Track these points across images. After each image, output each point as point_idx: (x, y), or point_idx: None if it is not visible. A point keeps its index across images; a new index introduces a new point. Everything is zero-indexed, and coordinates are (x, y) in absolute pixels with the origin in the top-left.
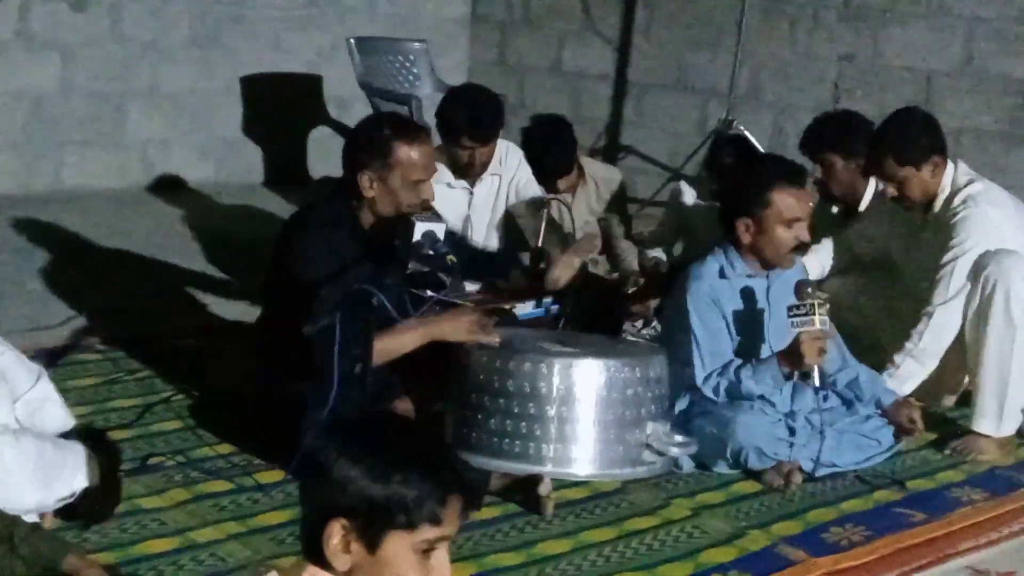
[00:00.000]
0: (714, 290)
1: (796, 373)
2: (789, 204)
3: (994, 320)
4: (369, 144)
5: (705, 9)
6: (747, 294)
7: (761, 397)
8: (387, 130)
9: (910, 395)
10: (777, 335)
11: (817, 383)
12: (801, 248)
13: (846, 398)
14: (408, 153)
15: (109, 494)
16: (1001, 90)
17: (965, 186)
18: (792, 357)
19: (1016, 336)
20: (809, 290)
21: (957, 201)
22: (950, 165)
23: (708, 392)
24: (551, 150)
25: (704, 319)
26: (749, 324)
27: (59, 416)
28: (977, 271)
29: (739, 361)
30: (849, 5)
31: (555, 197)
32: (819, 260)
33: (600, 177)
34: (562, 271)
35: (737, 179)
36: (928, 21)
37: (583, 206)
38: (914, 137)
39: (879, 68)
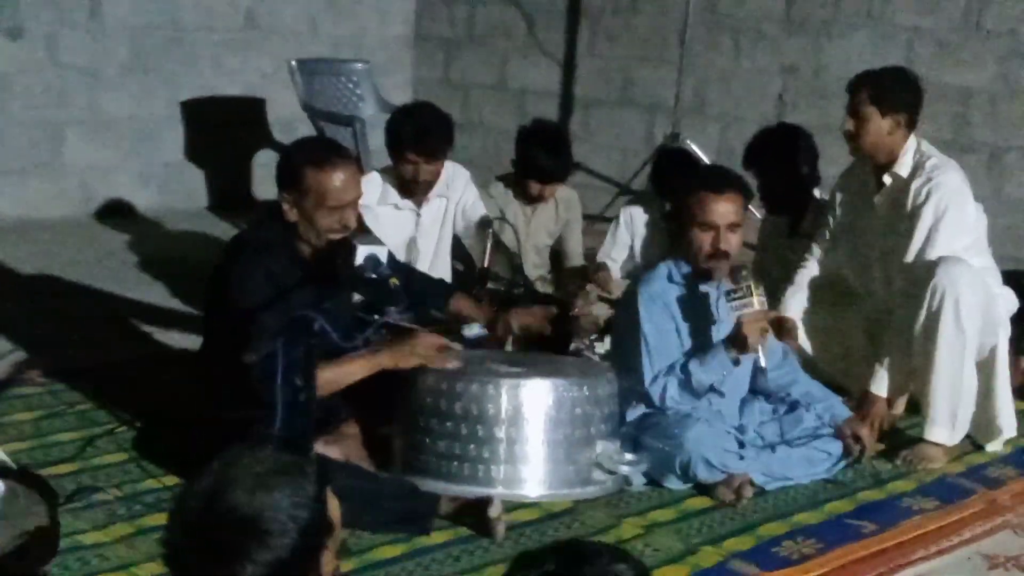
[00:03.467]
0: (664, 293)
1: (741, 357)
2: (705, 209)
3: (944, 330)
4: (284, 170)
5: (648, 24)
6: (696, 298)
7: (712, 389)
8: (299, 156)
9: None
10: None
11: (763, 363)
12: (720, 256)
13: (792, 404)
14: (317, 179)
15: (52, 536)
16: (942, 99)
17: (930, 158)
18: (737, 341)
19: (967, 345)
20: (744, 273)
21: (929, 166)
22: (913, 139)
23: (655, 395)
24: (556, 152)
25: (654, 319)
26: (699, 327)
27: None
28: (924, 280)
29: (684, 360)
30: (791, 17)
31: (501, 218)
32: None
33: (560, 197)
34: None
35: (676, 192)
36: (869, 32)
37: (541, 226)
38: (898, 87)
39: (822, 79)
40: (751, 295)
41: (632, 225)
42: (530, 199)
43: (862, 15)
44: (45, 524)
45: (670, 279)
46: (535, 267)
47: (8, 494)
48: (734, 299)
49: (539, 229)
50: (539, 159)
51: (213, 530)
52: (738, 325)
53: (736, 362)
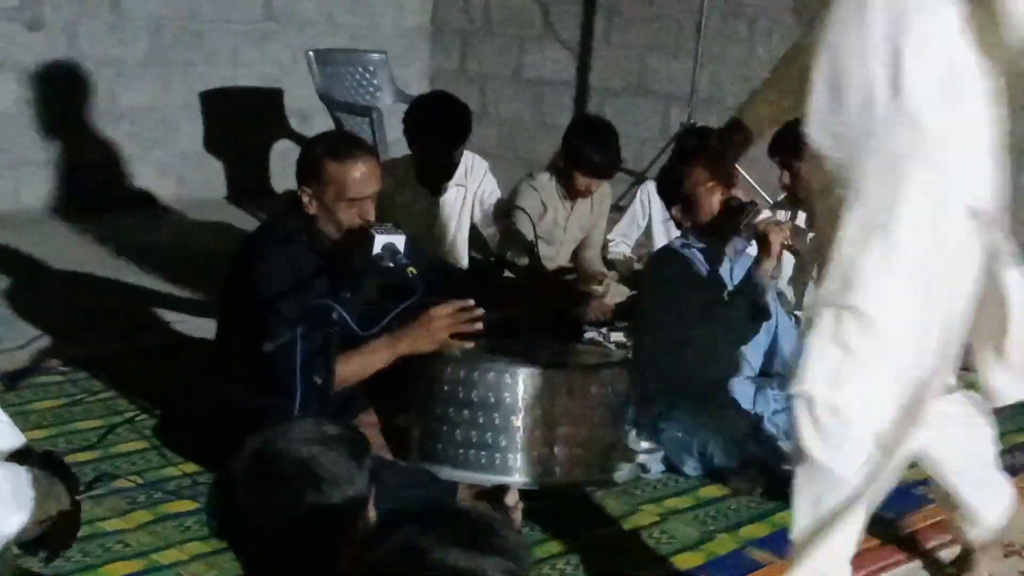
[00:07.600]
0: (683, 257)
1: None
2: (698, 172)
3: None
4: (304, 163)
5: (664, 13)
6: (712, 258)
7: (760, 312)
8: (320, 149)
9: None
10: None
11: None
12: (731, 200)
13: None
14: (339, 171)
15: (73, 521)
16: None
17: None
18: (762, 247)
19: None
20: (739, 203)
21: None
22: None
23: None
24: (608, 147)
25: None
26: (718, 287)
27: (8, 435)
28: None
29: None
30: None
31: (518, 207)
32: None
33: (596, 192)
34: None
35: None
36: None
37: (577, 220)
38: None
39: None
40: (756, 206)
41: (648, 204)
42: (573, 193)
43: None
44: (67, 509)
45: (684, 247)
46: (566, 260)
47: (32, 479)
48: (745, 218)
49: (575, 224)
50: (590, 153)
51: (271, 466)
52: (755, 233)
53: (772, 276)
